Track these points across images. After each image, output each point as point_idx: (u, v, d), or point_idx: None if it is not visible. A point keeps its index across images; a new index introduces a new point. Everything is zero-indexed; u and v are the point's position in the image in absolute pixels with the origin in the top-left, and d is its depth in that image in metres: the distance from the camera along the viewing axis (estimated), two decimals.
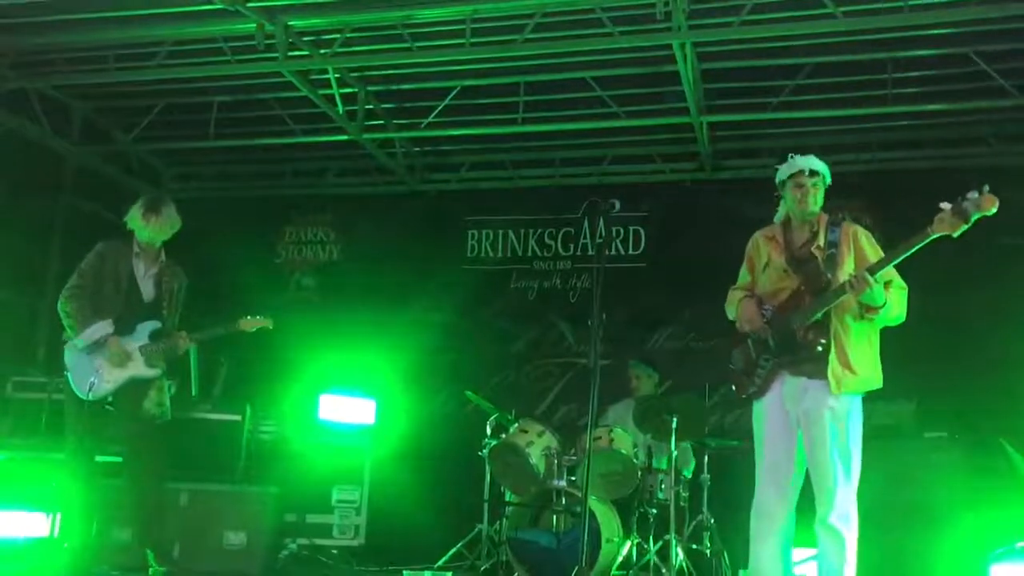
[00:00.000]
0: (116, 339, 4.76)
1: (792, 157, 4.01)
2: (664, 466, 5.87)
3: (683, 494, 5.83)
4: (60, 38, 6.25)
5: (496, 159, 8.07)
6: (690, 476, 6.04)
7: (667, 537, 5.57)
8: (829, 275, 3.74)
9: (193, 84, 7.12)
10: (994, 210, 3.43)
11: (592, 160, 8.00)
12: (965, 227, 3.47)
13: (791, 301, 3.84)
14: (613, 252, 7.80)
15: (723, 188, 7.69)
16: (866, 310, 3.69)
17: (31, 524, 5.30)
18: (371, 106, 7.24)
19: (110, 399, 4.78)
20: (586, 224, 7.89)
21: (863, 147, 7.42)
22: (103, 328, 4.74)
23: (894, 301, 3.72)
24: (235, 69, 6.57)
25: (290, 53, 6.26)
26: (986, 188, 3.44)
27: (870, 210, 7.30)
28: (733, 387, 4.06)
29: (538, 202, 8.10)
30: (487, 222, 8.18)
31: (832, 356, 3.69)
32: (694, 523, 5.82)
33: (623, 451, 5.60)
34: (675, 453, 5.64)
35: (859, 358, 3.73)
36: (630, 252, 7.84)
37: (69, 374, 4.76)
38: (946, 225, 3.49)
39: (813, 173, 3.91)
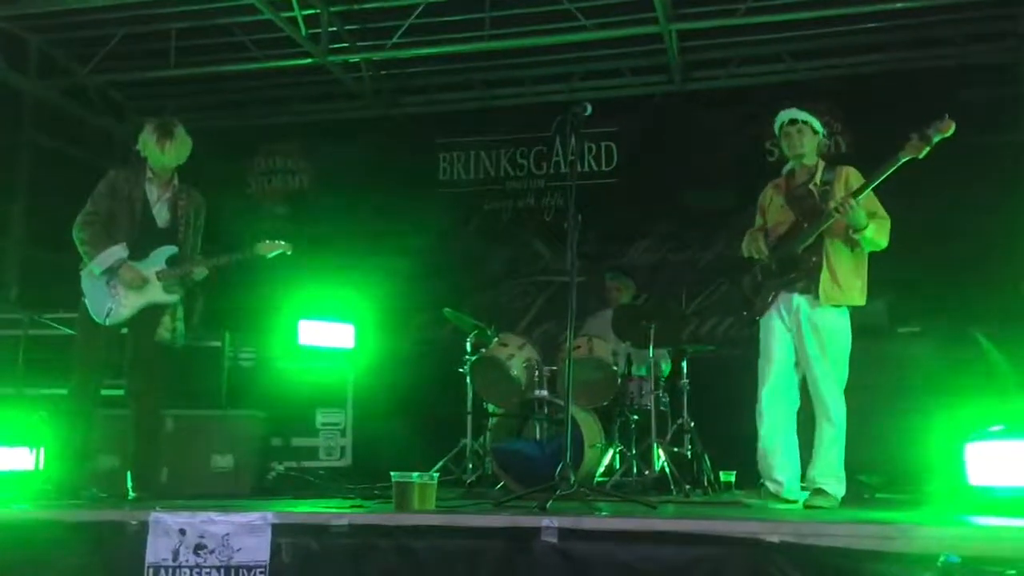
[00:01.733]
0: (130, 264, 4.72)
1: (782, 112, 4.52)
2: (644, 373, 5.95)
3: (663, 399, 5.92)
4: None
5: (464, 80, 7.99)
6: (665, 377, 6.12)
7: (649, 441, 5.68)
8: (823, 205, 4.27)
9: (151, 10, 6.93)
10: (951, 131, 4.02)
11: (562, 77, 7.94)
12: (927, 148, 4.06)
13: (791, 231, 4.41)
14: (586, 168, 7.80)
15: (694, 99, 7.69)
16: (852, 231, 4.19)
17: (13, 458, 5.29)
18: (334, 28, 7.11)
19: (124, 324, 4.75)
20: (558, 142, 7.87)
21: (831, 52, 7.41)
22: (117, 252, 4.68)
23: (876, 228, 4.22)
24: None
25: None
26: (946, 116, 4.06)
27: (838, 113, 7.34)
28: (744, 312, 4.62)
29: (509, 122, 8.05)
30: (458, 144, 8.13)
31: (824, 272, 4.26)
32: (675, 427, 5.91)
33: (603, 358, 5.66)
34: (652, 359, 5.72)
35: (846, 276, 4.29)
36: (603, 168, 7.84)
37: (86, 299, 4.71)
38: (913, 149, 4.07)
39: (794, 122, 4.43)
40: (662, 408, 5.87)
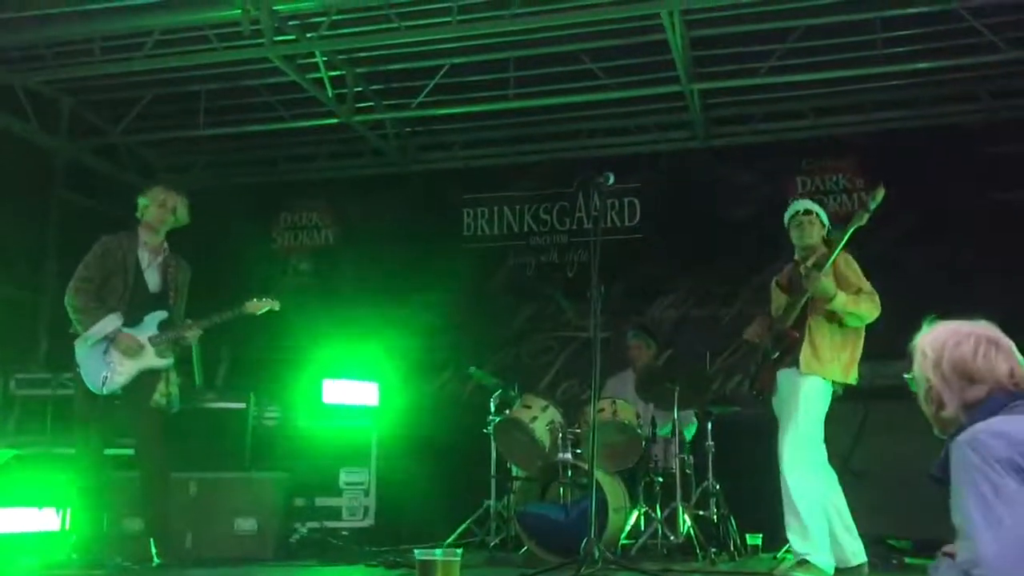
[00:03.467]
0: (127, 332, 4.77)
1: (791, 202, 4.84)
2: (667, 434, 5.91)
3: (688, 461, 5.87)
4: (45, 32, 6.21)
5: (488, 136, 8.06)
6: (691, 438, 6.07)
7: (674, 504, 5.63)
8: (804, 283, 4.47)
9: (180, 73, 7.08)
10: (882, 195, 4.35)
11: (585, 133, 8.00)
12: (867, 215, 4.37)
13: (784, 311, 4.62)
14: (609, 224, 7.82)
15: (717, 155, 7.70)
16: (824, 303, 4.37)
17: (41, 519, 5.33)
18: (360, 88, 7.22)
19: (120, 392, 4.78)
20: (580, 198, 7.91)
21: (855, 108, 7.42)
22: (113, 321, 4.74)
23: (853, 299, 4.40)
24: (222, 56, 6.55)
25: (276, 38, 6.24)
26: (879, 184, 4.40)
27: (862, 170, 7.33)
28: (755, 392, 4.77)
29: (532, 178, 8.11)
30: (482, 200, 8.18)
31: (805, 345, 4.43)
32: (700, 489, 5.85)
33: (627, 422, 5.63)
34: (678, 422, 5.68)
35: (826, 350, 4.44)
36: (626, 223, 7.85)
37: (80, 369, 4.76)
38: (858, 219, 4.39)
39: (808, 212, 4.64)
40: (687, 471, 5.81)
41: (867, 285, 4.49)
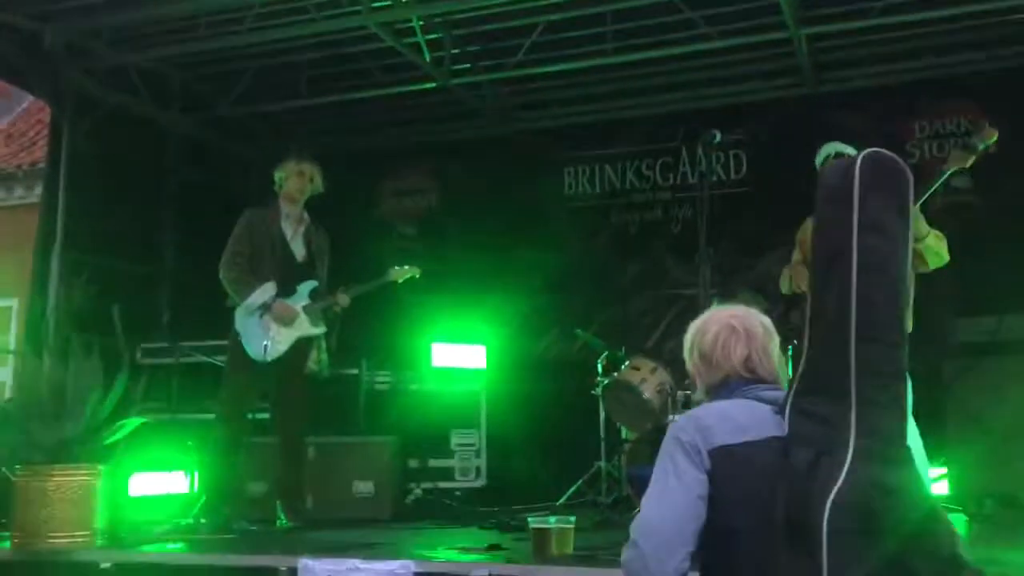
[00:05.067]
0: (281, 301, 4.95)
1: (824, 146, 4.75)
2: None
3: None
4: (152, 11, 6.37)
5: (587, 93, 7.91)
6: None
7: None
8: None
9: (281, 45, 7.18)
10: (994, 139, 4.07)
11: (686, 85, 7.76)
12: (973, 158, 4.07)
13: None
14: (714, 178, 7.60)
15: (826, 102, 7.37)
16: (915, 241, 4.06)
17: (172, 482, 5.60)
18: (457, 51, 7.18)
19: (281, 359, 4.96)
20: (684, 152, 7.72)
21: (976, 45, 6.97)
22: (268, 291, 4.95)
23: (937, 238, 4.24)
24: (321, 27, 6.60)
25: (373, 4, 6.25)
26: (986, 124, 4.11)
27: (985, 111, 6.91)
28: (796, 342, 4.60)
29: (633, 133, 7.95)
30: (583, 158, 8.08)
31: None
32: None
33: None
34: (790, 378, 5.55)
35: None
36: (732, 177, 7.64)
37: (241, 338, 4.96)
38: (957, 160, 4.10)
39: (839, 155, 4.55)
40: None
41: (934, 227, 4.29)
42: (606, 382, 5.90)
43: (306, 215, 5.19)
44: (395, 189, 8.62)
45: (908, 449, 1.89)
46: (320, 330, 5.10)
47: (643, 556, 1.99)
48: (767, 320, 2.31)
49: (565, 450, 6.53)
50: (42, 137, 9.32)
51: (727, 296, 6.55)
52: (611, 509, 5.65)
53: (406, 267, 5.33)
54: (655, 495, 2.05)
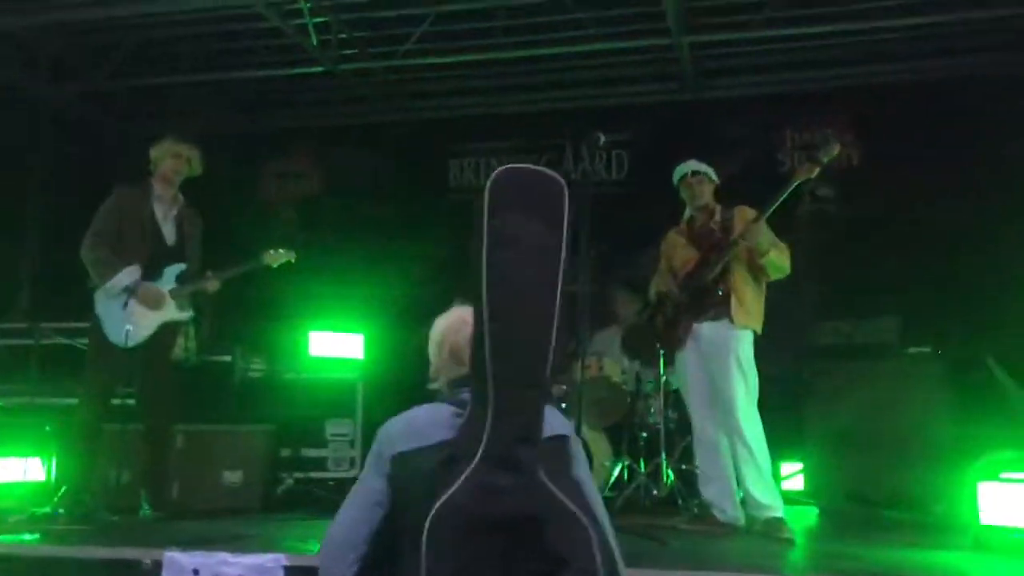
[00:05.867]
0: (147, 284, 4.74)
1: (680, 165, 4.94)
2: (651, 390, 5.94)
3: (672, 416, 5.91)
4: None
5: (476, 85, 7.94)
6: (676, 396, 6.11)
7: (658, 460, 5.69)
8: (725, 238, 4.59)
9: (163, 18, 6.91)
10: (837, 152, 4.42)
11: (573, 83, 7.88)
12: (818, 170, 4.40)
13: (698, 266, 4.70)
14: (596, 177, 7.75)
15: (707, 108, 7.62)
16: (757, 257, 4.45)
17: (27, 469, 5.34)
18: (345, 35, 7.07)
19: (144, 345, 4.75)
20: (569, 150, 7.83)
21: (845, 62, 7.32)
22: (131, 274, 4.71)
23: (778, 252, 4.47)
24: (206, 2, 6.39)
25: None
26: (830, 138, 4.50)
27: (855, 126, 7.28)
28: (662, 350, 5.10)
29: (520, 128, 8.01)
30: (468, 150, 8.10)
31: (733, 298, 4.51)
32: (683, 444, 5.91)
33: (613, 378, 5.66)
34: (664, 377, 5.72)
35: (751, 302, 4.54)
36: (613, 177, 7.81)
37: (101, 322, 4.73)
38: (805, 172, 4.42)
39: (696, 173, 4.81)
40: (671, 426, 5.86)
41: (780, 241, 4.54)
42: None
43: (180, 197, 5.01)
44: (277, 171, 8.43)
45: (528, 454, 1.98)
46: (187, 315, 4.92)
47: (320, 565, 2.18)
48: None
49: None
50: None
51: (604, 292, 6.71)
52: None
53: (280, 251, 5.19)
54: (345, 502, 2.24)
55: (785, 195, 4.41)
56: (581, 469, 2.16)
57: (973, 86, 6.96)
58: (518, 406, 1.97)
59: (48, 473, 5.30)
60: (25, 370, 6.09)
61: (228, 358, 6.13)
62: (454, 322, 2.41)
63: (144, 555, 3.35)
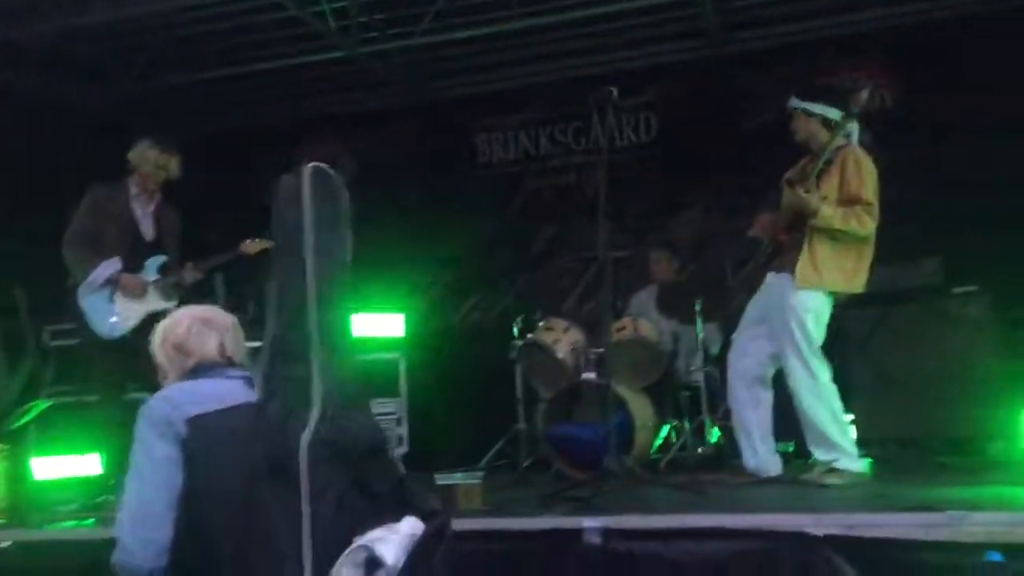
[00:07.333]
0: (127, 274, 4.83)
1: None
2: (692, 349, 5.90)
3: (714, 374, 5.86)
4: None
5: (497, 59, 7.89)
6: (718, 353, 6.05)
7: (701, 417, 5.65)
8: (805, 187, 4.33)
9: (182, 16, 6.99)
10: (864, 98, 4.30)
11: (597, 49, 7.79)
12: (849, 121, 4.34)
13: (782, 212, 4.51)
14: (625, 142, 7.70)
15: (733, 62, 7.49)
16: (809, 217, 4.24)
17: (83, 464, 5.47)
18: (363, 19, 7.08)
19: (129, 336, 4.83)
20: (595, 116, 7.75)
21: (875, 3, 7.11)
22: (112, 265, 4.80)
23: (843, 215, 4.23)
24: None
25: None
26: (859, 77, 4.61)
27: (888, 68, 7.09)
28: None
29: (546, 99, 7.96)
30: (495, 125, 8.08)
31: (803, 254, 4.28)
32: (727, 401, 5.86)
33: (649, 338, 5.63)
34: (701, 335, 5.67)
35: (824, 261, 4.28)
36: (642, 139, 7.73)
37: (87, 318, 4.82)
38: (838, 129, 4.33)
39: (793, 110, 4.50)
40: (713, 384, 5.81)
41: (868, 193, 4.27)
42: (521, 344, 5.94)
43: (158, 196, 5.07)
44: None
45: (362, 395, 2.32)
46: (171, 304, 4.96)
47: (125, 549, 2.23)
48: (233, 317, 2.67)
49: (486, 414, 6.56)
50: None
51: (641, 254, 6.66)
52: (530, 469, 5.71)
53: (258, 240, 5.19)
54: (131, 481, 2.27)
55: (826, 154, 4.30)
56: None
57: (1012, 21, 6.72)
58: (340, 358, 2.24)
59: (104, 465, 5.42)
60: (83, 369, 6.23)
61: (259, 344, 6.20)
62: (168, 323, 2.62)
63: None
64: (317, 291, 2.24)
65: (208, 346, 2.52)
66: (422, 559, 2.10)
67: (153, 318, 4.87)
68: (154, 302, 4.90)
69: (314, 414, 2.12)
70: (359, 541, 2.02)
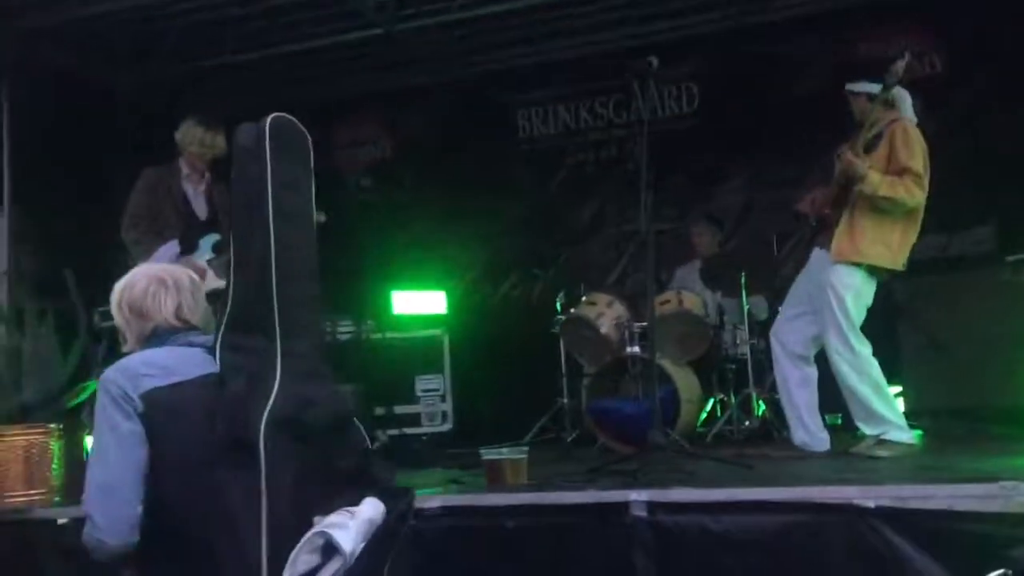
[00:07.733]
0: (186, 258, 4.89)
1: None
2: (737, 321, 5.84)
3: (759, 346, 5.80)
4: None
5: (535, 33, 7.81)
6: (764, 322, 5.97)
7: (747, 391, 5.61)
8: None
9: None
10: (901, 69, 4.06)
11: (637, 20, 7.68)
12: (887, 92, 4.19)
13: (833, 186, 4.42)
14: (667, 113, 7.61)
15: (775, 29, 7.33)
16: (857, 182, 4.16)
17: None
18: None
19: None
20: (637, 88, 7.67)
21: None
22: (170, 249, 4.87)
23: (889, 183, 4.13)
24: None
25: None
26: (896, 58, 4.08)
27: (934, 32, 6.91)
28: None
29: (585, 72, 7.88)
30: (535, 100, 8.03)
31: (841, 228, 4.23)
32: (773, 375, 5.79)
33: (694, 311, 5.58)
34: (747, 307, 5.61)
35: (868, 234, 4.19)
36: (684, 110, 7.63)
37: None
38: (879, 103, 4.22)
39: (849, 93, 4.41)
40: (759, 356, 5.75)
41: (917, 164, 4.16)
42: (564, 319, 5.93)
43: (208, 174, 5.13)
44: (347, 140, 8.53)
45: (326, 367, 2.28)
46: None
47: (95, 526, 2.18)
48: (194, 274, 2.54)
49: (530, 389, 6.58)
50: None
51: (684, 227, 6.60)
52: (574, 444, 5.71)
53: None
54: (96, 457, 2.20)
55: (872, 133, 4.23)
56: None
57: None
58: (304, 326, 2.22)
59: None
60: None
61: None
62: (123, 283, 2.44)
63: None
64: (279, 260, 2.17)
65: (167, 308, 2.39)
66: (387, 543, 2.07)
67: (212, 297, 4.95)
68: (212, 281, 4.96)
69: (275, 388, 2.08)
70: (318, 525, 1.98)
